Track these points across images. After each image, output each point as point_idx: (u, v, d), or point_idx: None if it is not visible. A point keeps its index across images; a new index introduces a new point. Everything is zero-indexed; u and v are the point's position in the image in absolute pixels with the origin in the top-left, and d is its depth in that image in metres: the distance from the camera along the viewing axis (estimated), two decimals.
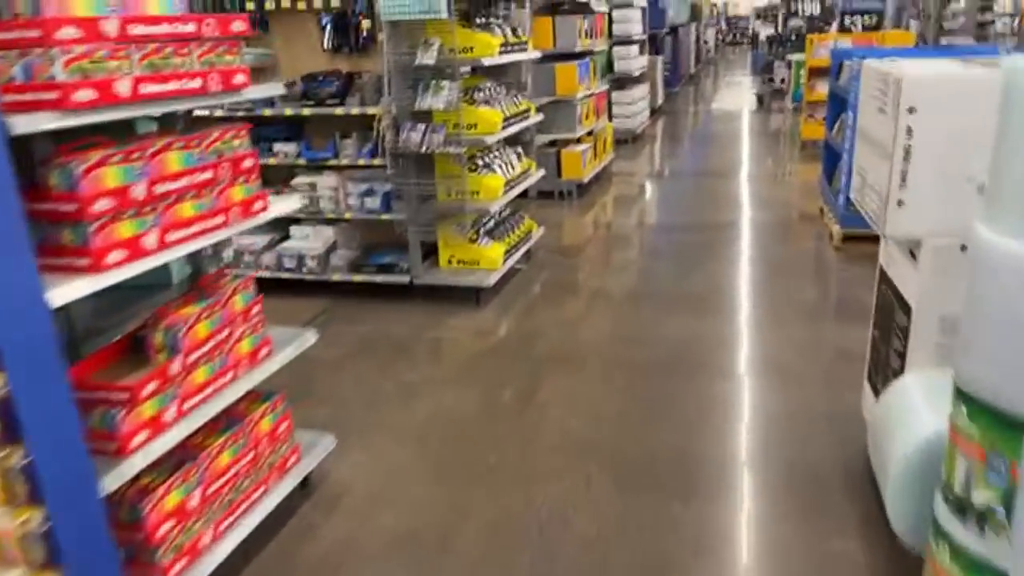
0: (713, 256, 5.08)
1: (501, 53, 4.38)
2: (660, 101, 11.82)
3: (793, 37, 12.01)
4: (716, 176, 7.78)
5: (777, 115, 11.38)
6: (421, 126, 4.11)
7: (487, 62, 4.28)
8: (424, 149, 4.10)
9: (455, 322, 4.19)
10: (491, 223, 4.73)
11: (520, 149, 5.06)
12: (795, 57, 10.20)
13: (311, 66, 4.46)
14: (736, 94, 14.85)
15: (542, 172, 5.34)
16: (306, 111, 4.31)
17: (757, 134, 9.91)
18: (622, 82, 9.14)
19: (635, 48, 9.37)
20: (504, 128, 4.42)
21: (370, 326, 4.16)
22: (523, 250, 4.89)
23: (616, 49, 8.89)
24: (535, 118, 5.15)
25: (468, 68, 4.70)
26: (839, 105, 5.33)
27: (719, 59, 25.58)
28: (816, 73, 7.59)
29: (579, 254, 5.58)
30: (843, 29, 8.08)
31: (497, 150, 4.70)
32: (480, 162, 4.46)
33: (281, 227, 4.58)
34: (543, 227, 5.30)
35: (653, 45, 11.24)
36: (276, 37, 4.55)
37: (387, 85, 4.12)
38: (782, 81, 12.51)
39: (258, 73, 4.05)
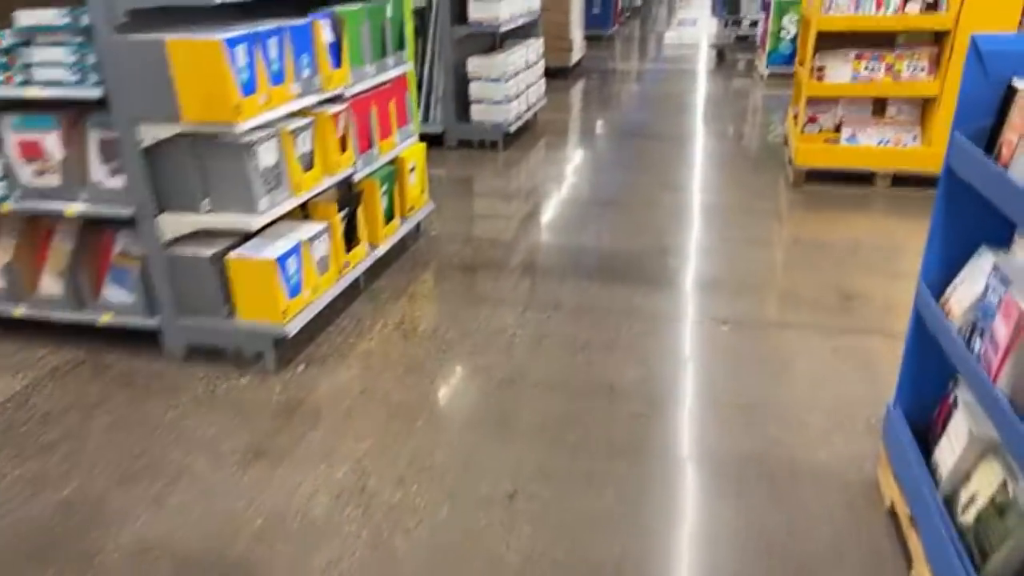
0: None
1: None
2: (576, 57, 9.23)
3: None
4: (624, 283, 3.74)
5: (742, 80, 9.30)
6: None
7: None
8: None
9: None
10: None
11: None
12: None
13: None
14: (690, 40, 12.23)
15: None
16: None
17: (714, 138, 6.11)
18: (482, 40, 6.27)
19: None
20: None
21: None
22: None
23: None
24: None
25: None
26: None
27: None
28: (828, 41, 4.58)
29: None
30: None
31: None
32: None
33: None
34: None
35: None
36: None
37: None
38: (752, 25, 10.69)
39: None
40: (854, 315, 3.20)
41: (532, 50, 6.37)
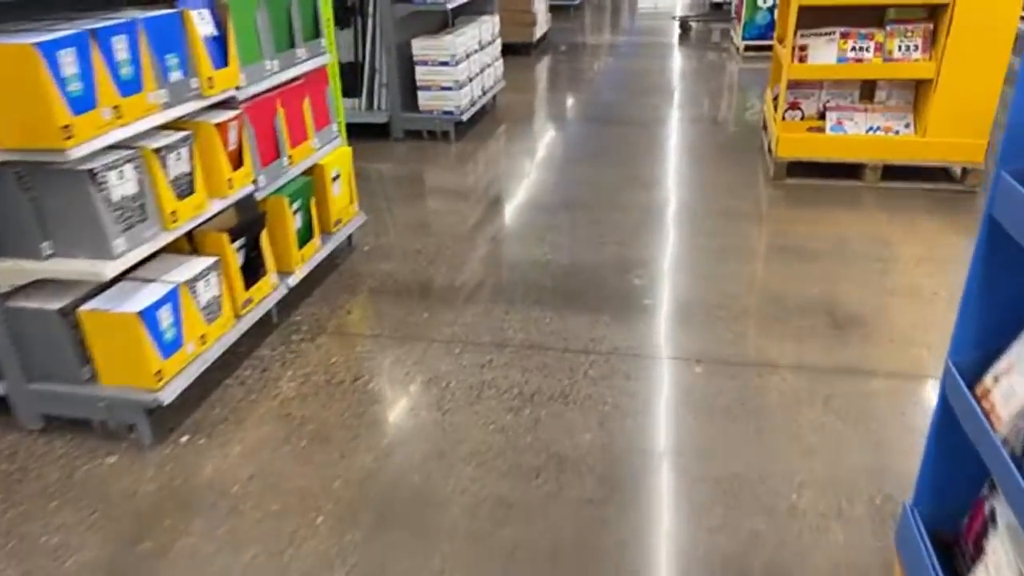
0: None
1: None
2: (541, 31, 8.55)
3: None
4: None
5: (717, 53, 8.43)
6: None
7: None
8: None
9: None
10: None
11: None
12: None
13: None
14: (666, 7, 11.14)
15: None
16: None
17: (687, 122, 5.55)
18: (430, 19, 5.61)
19: None
20: None
21: None
22: None
23: None
24: None
25: None
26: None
27: None
28: (810, 17, 4.05)
29: None
30: None
31: None
32: None
33: None
34: None
35: None
36: None
37: None
38: None
39: None
40: (848, 348, 2.74)
41: (486, 28, 5.78)
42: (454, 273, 3.40)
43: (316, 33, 3.20)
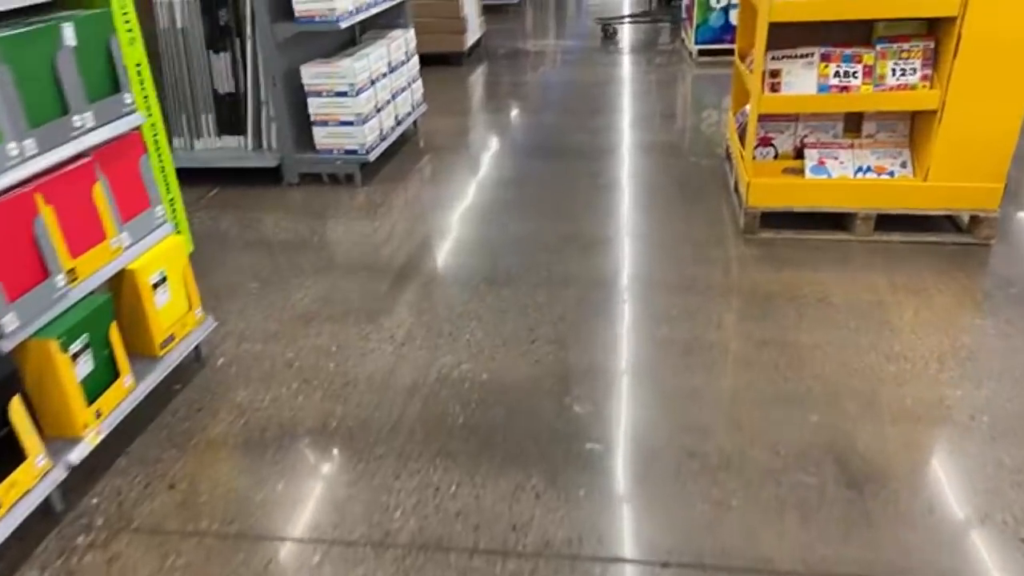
0: None
1: None
2: (473, 38, 7.67)
3: None
4: None
5: (670, 59, 7.55)
6: None
7: None
8: None
9: None
10: None
11: None
12: None
13: None
14: (617, 2, 10.51)
15: None
16: None
17: (639, 150, 4.73)
18: (326, 40, 4.56)
19: None
20: None
21: None
22: None
23: None
24: None
25: None
26: None
27: None
28: (783, 34, 3.23)
29: None
30: None
31: None
32: None
33: None
34: None
35: None
36: None
37: None
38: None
39: None
40: (873, 529, 1.93)
41: (398, 45, 4.87)
42: (330, 403, 2.52)
43: (114, 87, 2.27)
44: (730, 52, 5.78)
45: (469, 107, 6.10)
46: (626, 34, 8.65)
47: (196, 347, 2.70)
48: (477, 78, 7.06)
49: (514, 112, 5.85)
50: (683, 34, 8.07)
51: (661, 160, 4.64)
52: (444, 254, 3.53)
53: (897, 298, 2.98)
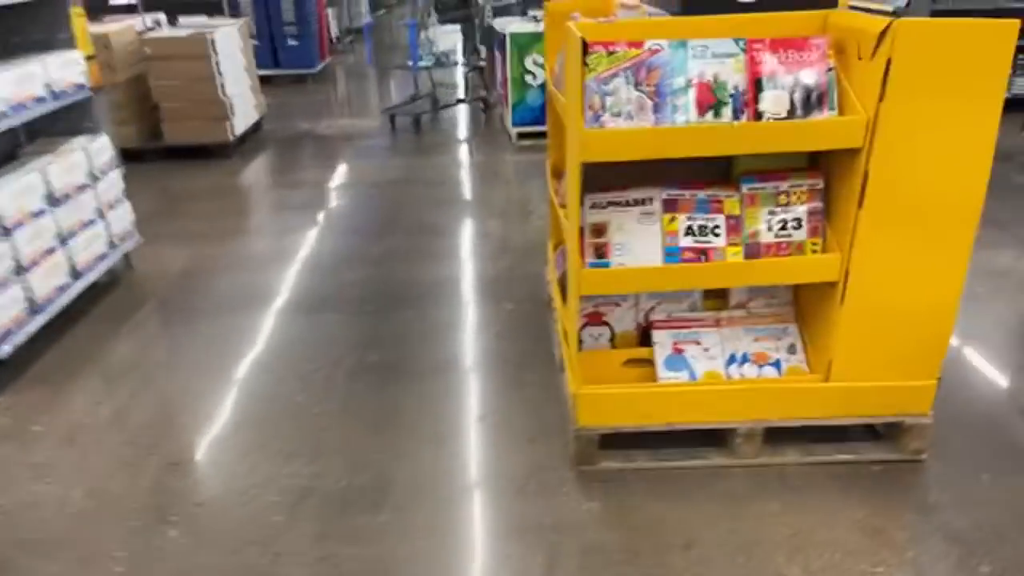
0: None
1: None
2: (245, 124, 6.08)
3: None
4: None
5: (487, 143, 6.39)
6: None
7: None
8: None
9: None
10: None
11: None
12: (513, 28, 5.77)
13: None
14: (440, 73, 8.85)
15: None
16: None
17: (446, 299, 3.40)
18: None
19: None
20: None
21: None
22: None
23: None
24: None
25: None
26: None
27: None
28: (604, 172, 2.07)
29: None
30: None
31: None
32: None
33: None
34: None
35: None
36: None
37: None
38: (478, 67, 7.65)
39: None
40: None
41: (73, 164, 3.30)
42: None
43: None
44: None
45: (220, 227, 4.55)
46: (461, 109, 7.45)
47: None
48: (245, 178, 5.53)
49: (278, 231, 4.39)
50: (503, 112, 6.96)
51: (463, 313, 3.35)
52: None
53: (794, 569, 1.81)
